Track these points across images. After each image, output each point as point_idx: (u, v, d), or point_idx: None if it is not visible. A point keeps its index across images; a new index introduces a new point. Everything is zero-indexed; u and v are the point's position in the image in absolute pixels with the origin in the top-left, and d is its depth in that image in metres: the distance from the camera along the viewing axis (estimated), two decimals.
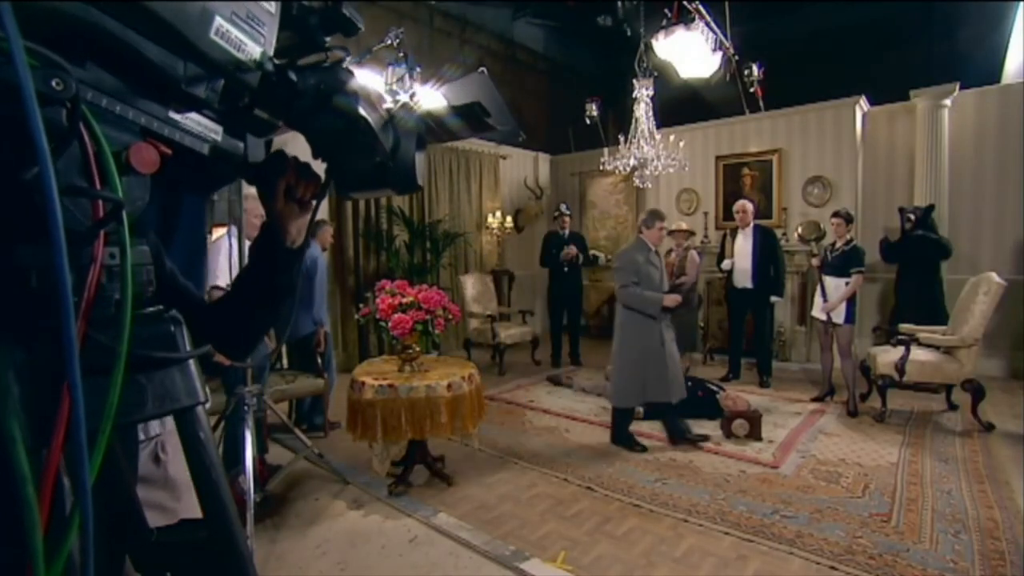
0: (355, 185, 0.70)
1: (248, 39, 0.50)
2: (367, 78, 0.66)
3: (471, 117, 0.73)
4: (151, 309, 0.52)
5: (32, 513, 0.35)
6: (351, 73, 0.61)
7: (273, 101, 0.58)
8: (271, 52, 0.53)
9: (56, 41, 0.40)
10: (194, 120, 0.54)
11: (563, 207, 6.39)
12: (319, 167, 0.72)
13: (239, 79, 0.51)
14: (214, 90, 0.52)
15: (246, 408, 2.66)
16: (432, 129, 0.72)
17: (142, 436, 0.98)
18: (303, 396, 3.88)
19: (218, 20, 0.47)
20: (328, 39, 0.60)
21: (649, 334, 3.56)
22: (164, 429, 0.99)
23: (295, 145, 0.70)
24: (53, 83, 0.37)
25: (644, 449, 3.61)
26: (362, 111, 0.60)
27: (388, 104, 0.68)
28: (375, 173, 0.67)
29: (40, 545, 0.35)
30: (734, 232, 5.36)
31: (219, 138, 0.57)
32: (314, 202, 0.74)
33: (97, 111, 0.44)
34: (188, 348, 0.53)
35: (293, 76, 0.56)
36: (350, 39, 0.61)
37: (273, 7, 0.52)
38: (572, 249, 6.08)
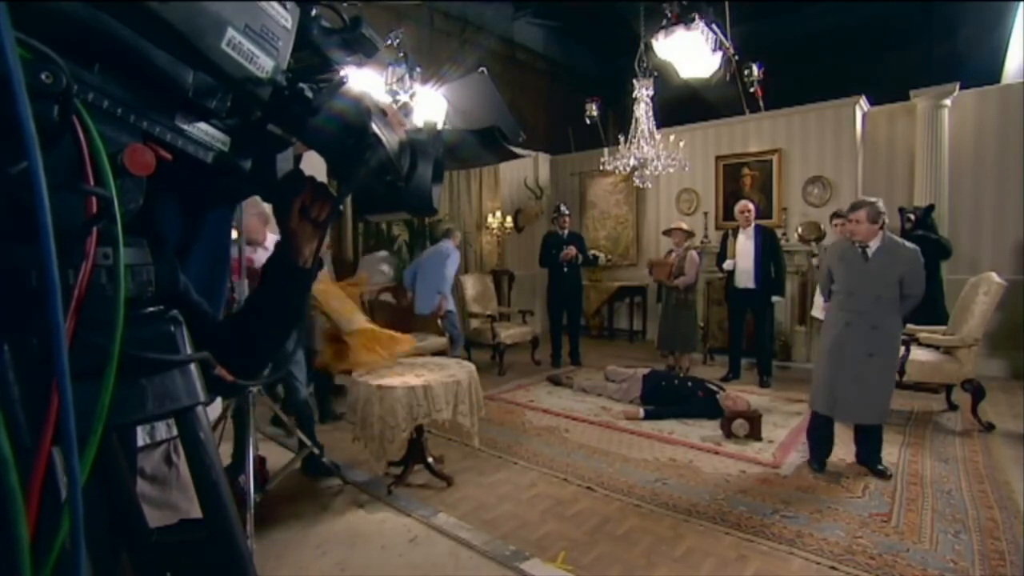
0: (370, 207, 0.70)
1: (261, 52, 0.50)
2: (371, 83, 0.66)
3: (490, 142, 0.72)
4: (151, 309, 0.52)
5: (15, 500, 0.35)
6: (366, 91, 0.61)
7: (287, 117, 0.57)
8: (284, 67, 0.53)
9: (65, 44, 0.40)
10: (201, 129, 0.54)
11: (562, 207, 6.38)
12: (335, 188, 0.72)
13: (250, 92, 0.51)
14: (223, 101, 0.52)
15: (246, 408, 2.67)
16: (451, 154, 0.72)
17: (148, 440, 0.98)
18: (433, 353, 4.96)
19: (231, 32, 0.46)
20: (349, 59, 0.60)
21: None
22: (171, 432, 0.99)
23: (308, 165, 0.71)
24: (42, 76, 0.37)
25: (887, 475, 3.13)
26: (374, 128, 0.60)
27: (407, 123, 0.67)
28: (390, 195, 0.66)
29: (24, 533, 0.35)
30: (735, 232, 5.36)
31: (225, 148, 0.57)
32: (327, 224, 0.73)
33: (97, 112, 0.43)
34: (188, 349, 0.53)
35: (309, 93, 0.55)
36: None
37: (289, 22, 0.52)
38: (571, 250, 6.08)
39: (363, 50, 0.59)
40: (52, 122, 0.38)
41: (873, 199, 3.21)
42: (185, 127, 0.52)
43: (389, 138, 0.62)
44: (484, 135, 0.74)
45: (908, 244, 3.20)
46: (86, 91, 0.43)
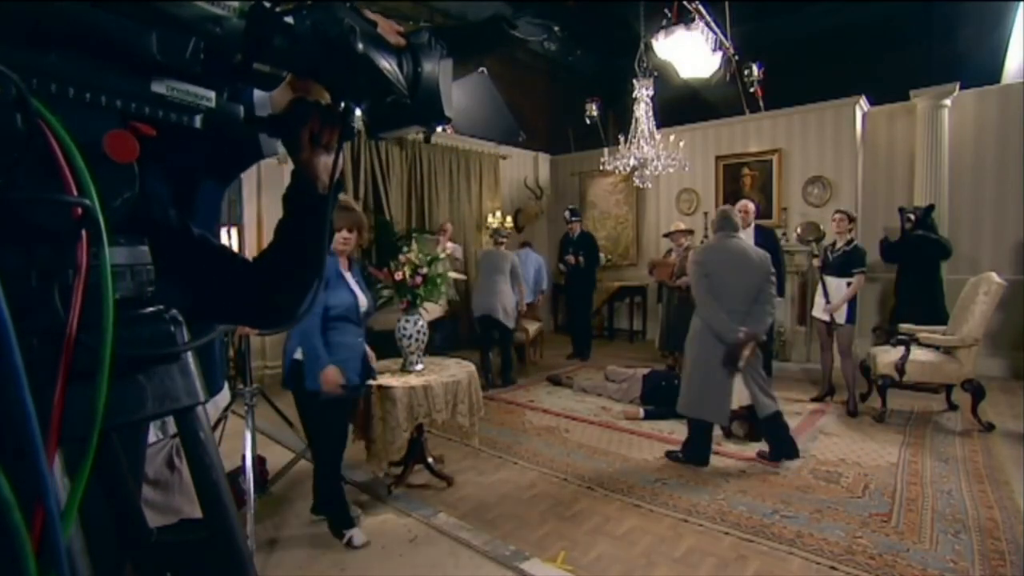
0: (379, 124, 0.66)
1: None
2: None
3: (495, 32, 0.67)
4: (151, 309, 0.51)
5: (10, 506, 0.34)
6: (348, 7, 0.56)
7: (271, 51, 0.52)
8: None
9: (12, 35, 0.38)
10: (182, 90, 0.49)
11: (567, 214, 6.52)
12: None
13: (220, 35, 0.47)
14: (196, 53, 0.47)
15: (246, 407, 2.67)
16: (456, 47, 0.66)
17: (160, 435, 0.98)
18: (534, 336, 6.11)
19: None
20: None
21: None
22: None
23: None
24: None
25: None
26: (361, 47, 0.55)
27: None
28: (396, 111, 0.62)
29: (25, 535, 0.34)
30: None
31: (212, 104, 0.53)
32: (340, 146, 0.70)
33: (65, 103, 0.41)
34: (188, 353, 0.52)
35: (290, 19, 0.51)
36: None
37: None
38: (569, 258, 6.40)
39: None
40: (18, 131, 0.37)
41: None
42: (164, 92, 0.48)
43: (382, 53, 0.57)
44: (489, 24, 0.68)
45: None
46: (47, 83, 0.41)
